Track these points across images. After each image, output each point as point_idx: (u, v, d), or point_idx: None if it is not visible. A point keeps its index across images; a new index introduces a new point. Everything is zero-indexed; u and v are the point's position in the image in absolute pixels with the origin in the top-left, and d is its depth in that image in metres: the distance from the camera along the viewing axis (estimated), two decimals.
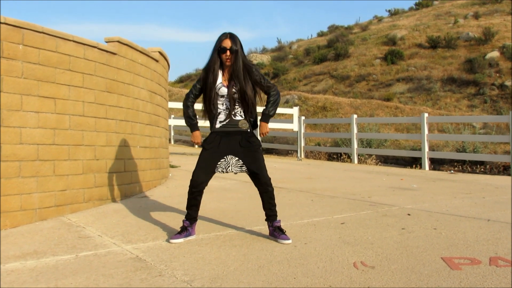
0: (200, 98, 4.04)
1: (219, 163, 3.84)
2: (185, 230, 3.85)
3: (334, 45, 35.51)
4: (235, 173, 3.95)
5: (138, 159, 6.17)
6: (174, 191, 6.53)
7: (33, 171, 4.51)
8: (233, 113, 3.87)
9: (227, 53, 3.78)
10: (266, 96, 4.04)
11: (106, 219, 4.66)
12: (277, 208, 3.95)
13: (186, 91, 34.03)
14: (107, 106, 5.46)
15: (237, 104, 3.87)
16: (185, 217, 3.90)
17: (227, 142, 3.84)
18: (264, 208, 3.90)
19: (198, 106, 4.21)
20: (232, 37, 3.81)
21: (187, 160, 11.68)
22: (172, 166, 9.30)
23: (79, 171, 5.03)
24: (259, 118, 4.01)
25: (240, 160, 3.84)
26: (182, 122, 16.84)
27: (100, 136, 5.34)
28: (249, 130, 3.91)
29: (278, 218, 3.93)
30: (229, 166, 3.84)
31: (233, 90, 3.81)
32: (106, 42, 5.66)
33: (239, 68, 3.81)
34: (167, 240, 3.81)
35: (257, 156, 3.86)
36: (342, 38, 37.37)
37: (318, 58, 34.66)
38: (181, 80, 46.18)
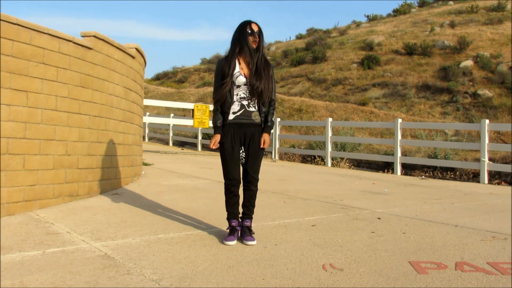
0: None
1: (242, 154, 3.85)
2: (235, 230, 3.85)
3: (312, 48, 35.66)
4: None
5: (110, 156, 6.10)
6: (146, 189, 6.48)
7: (2, 165, 4.42)
8: (247, 103, 3.83)
9: (255, 36, 3.77)
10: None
11: (75, 216, 4.60)
12: None
13: (163, 89, 33.99)
14: (80, 101, 5.39)
15: (251, 95, 3.82)
16: (229, 217, 3.88)
17: (241, 134, 3.82)
18: (243, 205, 3.90)
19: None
20: (257, 23, 3.83)
21: (161, 158, 11.61)
22: (145, 164, 9.21)
23: (49, 166, 4.95)
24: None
25: (244, 153, 3.85)
26: (157, 120, 16.72)
27: (72, 132, 5.26)
28: (262, 125, 3.89)
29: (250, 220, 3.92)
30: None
31: (251, 80, 3.77)
32: (82, 36, 5.59)
33: (260, 57, 3.81)
34: (223, 242, 3.76)
35: (258, 156, 3.88)
36: (320, 41, 37.58)
37: (295, 60, 34.78)
38: (158, 78, 45.82)
